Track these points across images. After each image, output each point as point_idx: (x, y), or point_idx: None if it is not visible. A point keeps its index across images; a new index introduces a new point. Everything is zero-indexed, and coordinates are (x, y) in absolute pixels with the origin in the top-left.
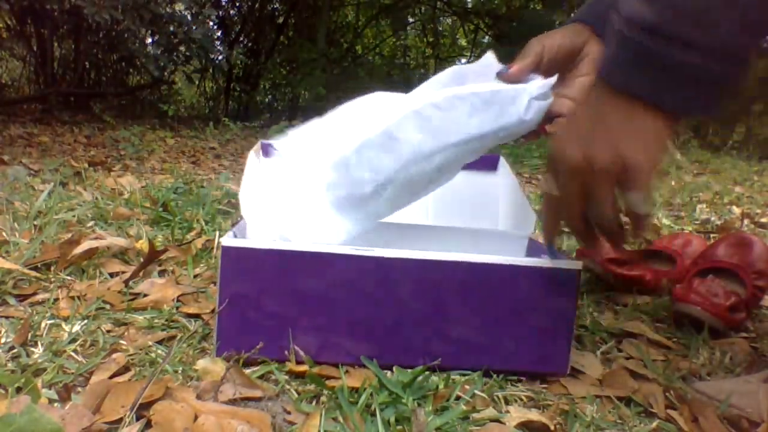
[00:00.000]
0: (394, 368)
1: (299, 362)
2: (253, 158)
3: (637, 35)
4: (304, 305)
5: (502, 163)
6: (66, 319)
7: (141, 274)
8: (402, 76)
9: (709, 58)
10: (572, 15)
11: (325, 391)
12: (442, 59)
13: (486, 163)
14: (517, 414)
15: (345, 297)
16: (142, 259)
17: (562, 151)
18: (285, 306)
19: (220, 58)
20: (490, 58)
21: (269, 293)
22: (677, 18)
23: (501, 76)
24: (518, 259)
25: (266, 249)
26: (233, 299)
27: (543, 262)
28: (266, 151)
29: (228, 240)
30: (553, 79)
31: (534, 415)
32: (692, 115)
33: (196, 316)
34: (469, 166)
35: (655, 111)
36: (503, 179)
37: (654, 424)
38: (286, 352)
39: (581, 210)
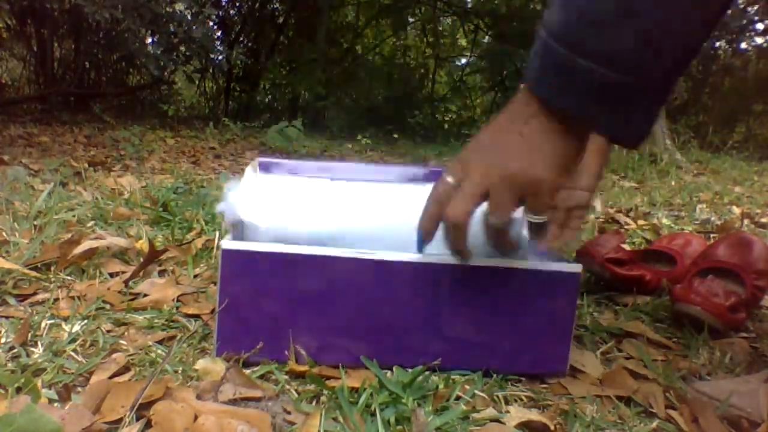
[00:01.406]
0: (394, 368)
1: (300, 362)
2: (251, 173)
3: (548, 41)
4: (303, 307)
5: None
6: (66, 319)
7: (141, 274)
8: (402, 76)
9: (608, 66)
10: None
11: (325, 391)
12: (442, 59)
13: None
14: (517, 414)
15: (344, 298)
16: (142, 259)
17: (469, 157)
18: (284, 307)
19: (220, 58)
20: None
21: (268, 295)
22: (581, 27)
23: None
24: (518, 261)
25: (265, 252)
26: (233, 301)
27: (543, 264)
28: (264, 167)
29: (228, 243)
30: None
31: (534, 415)
32: (597, 124)
33: (196, 316)
34: None
35: (562, 118)
36: None
37: (654, 424)
38: (286, 353)
39: (469, 210)
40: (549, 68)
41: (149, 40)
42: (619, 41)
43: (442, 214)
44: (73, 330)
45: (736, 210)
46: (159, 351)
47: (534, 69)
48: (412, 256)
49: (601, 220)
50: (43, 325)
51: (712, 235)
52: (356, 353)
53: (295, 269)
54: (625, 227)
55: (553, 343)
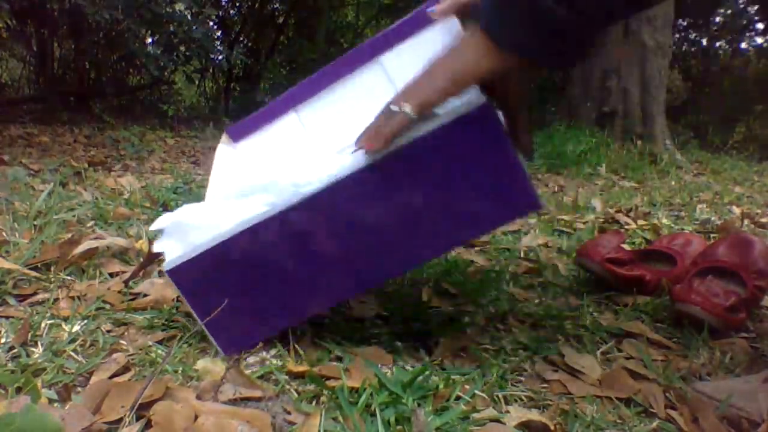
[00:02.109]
0: (394, 368)
1: (300, 322)
2: (222, 150)
3: None
4: (270, 276)
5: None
6: (66, 319)
7: (141, 274)
8: None
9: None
10: None
11: (325, 391)
12: None
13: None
14: (517, 414)
15: (295, 254)
16: (142, 259)
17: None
18: (253, 286)
19: (220, 58)
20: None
21: (231, 286)
22: None
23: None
24: (420, 130)
25: (203, 250)
26: (207, 307)
27: (445, 116)
28: (235, 134)
29: (169, 263)
30: None
31: (534, 415)
32: (540, 59)
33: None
34: (405, 34)
35: (486, 39)
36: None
37: (654, 424)
38: (280, 325)
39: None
40: (503, 8)
41: (149, 40)
42: None
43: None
44: (73, 330)
45: (736, 210)
46: (159, 351)
47: (486, 10)
48: (334, 176)
49: (601, 220)
50: (43, 325)
51: (712, 235)
52: (335, 297)
53: (237, 251)
54: (625, 227)
55: (509, 183)
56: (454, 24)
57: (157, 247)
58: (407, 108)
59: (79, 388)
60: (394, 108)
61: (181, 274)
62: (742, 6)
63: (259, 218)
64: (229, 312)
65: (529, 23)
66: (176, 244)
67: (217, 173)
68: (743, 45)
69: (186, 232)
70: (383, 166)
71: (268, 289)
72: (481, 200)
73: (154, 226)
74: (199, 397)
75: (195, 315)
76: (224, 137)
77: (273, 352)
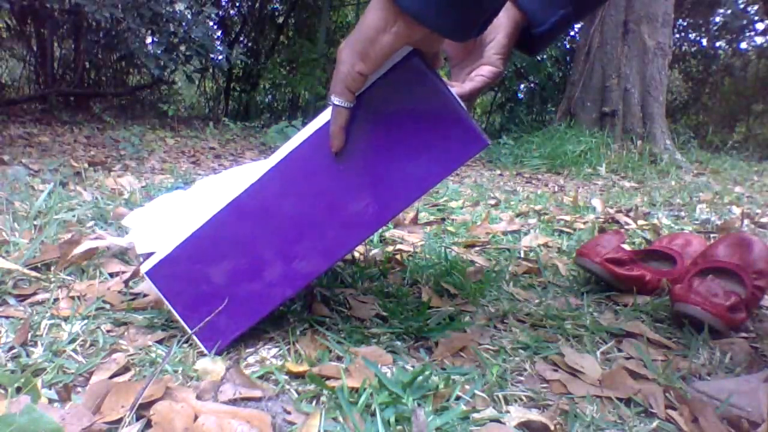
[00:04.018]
0: (394, 368)
1: (277, 303)
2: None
3: None
4: (239, 265)
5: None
6: (66, 319)
7: (141, 274)
8: None
9: None
10: None
11: (325, 391)
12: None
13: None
14: (517, 414)
15: (259, 235)
16: (142, 259)
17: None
18: (226, 280)
19: (220, 58)
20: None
21: (208, 280)
22: None
23: None
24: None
25: (176, 250)
26: (188, 307)
27: (376, 74)
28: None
29: (146, 265)
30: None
31: (534, 415)
32: (429, 25)
33: None
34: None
35: (396, 15)
36: None
37: (654, 424)
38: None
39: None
40: None
41: (149, 40)
42: None
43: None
44: (73, 330)
45: (736, 210)
46: (159, 351)
47: None
48: (275, 159)
49: (601, 220)
50: (43, 325)
51: (712, 235)
52: (310, 269)
53: (205, 245)
54: (625, 227)
55: (449, 122)
56: None
57: (139, 249)
58: (335, 99)
59: (79, 388)
60: (329, 102)
61: (157, 274)
62: (742, 6)
63: (219, 209)
64: (206, 308)
65: None
66: (149, 246)
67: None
68: (743, 45)
69: (155, 234)
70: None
71: (240, 278)
72: (430, 143)
73: (125, 222)
74: (199, 397)
75: (176, 314)
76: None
77: (273, 352)
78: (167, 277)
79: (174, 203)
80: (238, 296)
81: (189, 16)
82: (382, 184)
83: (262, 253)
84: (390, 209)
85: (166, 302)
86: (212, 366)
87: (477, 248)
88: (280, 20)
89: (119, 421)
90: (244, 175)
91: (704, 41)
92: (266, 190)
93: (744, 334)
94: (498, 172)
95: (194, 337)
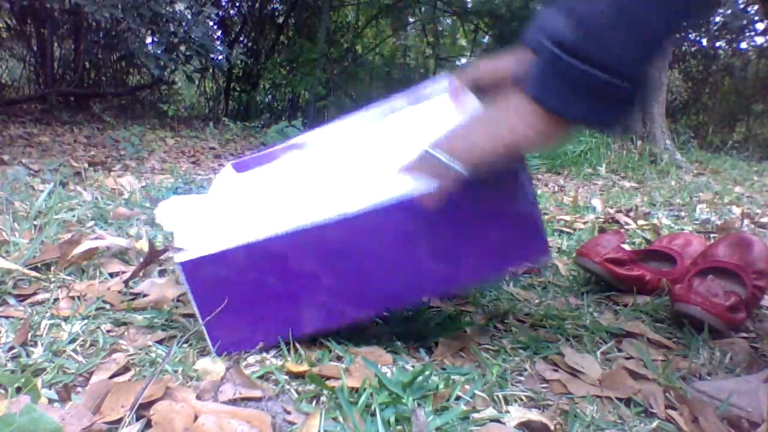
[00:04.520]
0: (394, 368)
1: (296, 336)
2: (224, 175)
3: (548, 45)
4: (276, 287)
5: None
6: (66, 319)
7: (141, 274)
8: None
9: (606, 73)
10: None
11: (325, 391)
12: (442, 59)
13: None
14: (517, 414)
15: (309, 270)
16: (142, 259)
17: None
18: (256, 294)
19: (220, 58)
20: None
21: (237, 289)
22: (581, 35)
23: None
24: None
25: (218, 252)
26: (210, 307)
27: None
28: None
29: (182, 256)
30: None
31: (534, 415)
32: (587, 124)
33: (196, 316)
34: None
35: (549, 116)
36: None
37: (654, 424)
38: (278, 338)
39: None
40: (547, 73)
41: (149, 39)
42: (620, 48)
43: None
44: (73, 330)
45: (736, 210)
46: (159, 351)
47: (532, 75)
48: (359, 207)
49: (601, 220)
50: (43, 325)
51: (712, 235)
52: (341, 316)
53: (252, 257)
54: (625, 227)
55: (526, 232)
56: (447, 100)
57: (177, 240)
58: (458, 165)
59: (79, 388)
60: (446, 162)
61: (193, 269)
62: (742, 6)
63: (290, 229)
64: (231, 315)
65: (581, 92)
66: (192, 237)
67: (221, 193)
68: (743, 45)
69: (204, 228)
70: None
71: (279, 301)
72: (506, 239)
73: (161, 210)
74: (199, 397)
75: (197, 311)
76: (227, 167)
77: (273, 352)
78: (202, 274)
79: (224, 197)
80: (269, 316)
81: (189, 16)
82: (450, 259)
83: (310, 283)
84: (447, 285)
85: (190, 296)
86: (212, 366)
87: None
88: (280, 20)
89: (119, 421)
90: (305, 179)
91: (704, 41)
92: (337, 231)
93: (744, 334)
94: None
95: (206, 338)
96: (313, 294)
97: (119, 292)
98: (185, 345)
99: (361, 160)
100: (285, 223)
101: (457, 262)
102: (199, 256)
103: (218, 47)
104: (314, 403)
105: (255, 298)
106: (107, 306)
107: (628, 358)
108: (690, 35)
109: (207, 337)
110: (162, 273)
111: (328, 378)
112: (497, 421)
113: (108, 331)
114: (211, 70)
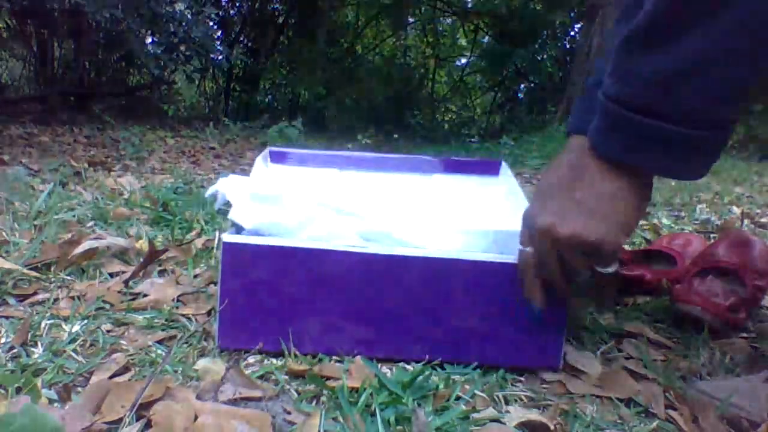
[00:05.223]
0: (394, 368)
1: (304, 352)
2: (261, 164)
3: (613, 106)
4: (302, 299)
5: (504, 167)
6: (66, 319)
7: (141, 274)
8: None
9: (677, 123)
10: (569, 121)
11: (325, 391)
12: (442, 59)
13: (487, 167)
14: (517, 414)
15: (341, 291)
16: (142, 259)
17: (534, 216)
18: (283, 300)
19: (220, 58)
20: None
21: (268, 288)
22: (646, 90)
23: None
24: (506, 256)
25: (267, 246)
26: (233, 295)
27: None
28: (275, 157)
29: (230, 237)
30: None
31: (534, 415)
32: (669, 173)
33: (196, 316)
34: (470, 170)
35: (629, 173)
36: (504, 183)
37: (654, 424)
38: (284, 346)
39: (558, 267)
40: (616, 130)
41: (149, 39)
42: (687, 100)
43: (534, 279)
44: (73, 330)
45: (736, 210)
46: (159, 351)
47: (598, 130)
48: (404, 251)
49: None
50: (43, 325)
51: (712, 235)
52: (353, 345)
53: (293, 261)
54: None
55: (546, 336)
56: (512, 179)
57: (233, 213)
58: (604, 268)
59: (79, 388)
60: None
61: (235, 253)
62: None
63: (350, 247)
64: (250, 311)
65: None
66: (249, 216)
67: (263, 178)
68: None
69: (265, 214)
70: (477, 265)
71: (305, 312)
72: (525, 336)
73: (222, 184)
74: (199, 397)
75: (218, 295)
76: (265, 152)
77: (273, 351)
78: (241, 260)
79: (286, 185)
80: (288, 324)
81: (189, 16)
82: (475, 333)
83: (343, 307)
84: (466, 353)
85: (220, 277)
86: (212, 366)
87: None
88: (280, 20)
89: (119, 421)
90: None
91: None
92: (410, 269)
93: (744, 334)
94: None
95: (215, 327)
96: (338, 316)
97: (119, 292)
98: (185, 345)
99: (427, 207)
100: (345, 239)
101: (485, 335)
102: (245, 242)
103: (218, 47)
104: (314, 403)
105: (281, 301)
106: (107, 306)
107: (628, 358)
108: None
109: (216, 325)
110: (162, 273)
111: (328, 378)
112: (497, 421)
113: (108, 331)
114: (211, 70)
